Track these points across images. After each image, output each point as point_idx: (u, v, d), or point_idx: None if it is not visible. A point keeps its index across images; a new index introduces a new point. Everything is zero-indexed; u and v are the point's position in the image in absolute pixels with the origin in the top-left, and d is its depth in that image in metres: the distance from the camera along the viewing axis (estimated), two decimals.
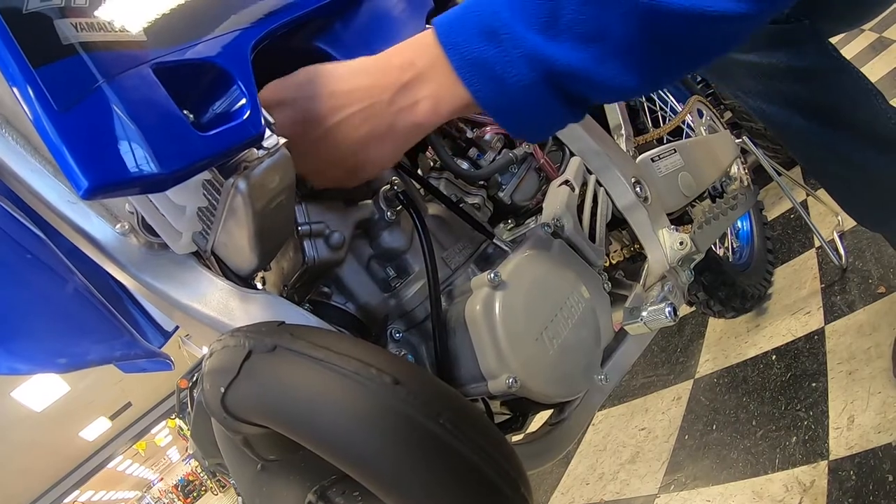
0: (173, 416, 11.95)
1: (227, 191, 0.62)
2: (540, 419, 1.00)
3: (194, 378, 4.90)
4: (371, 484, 0.56)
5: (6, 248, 0.75)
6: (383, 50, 0.77)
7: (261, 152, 0.61)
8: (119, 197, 0.69)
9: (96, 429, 12.63)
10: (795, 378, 1.77)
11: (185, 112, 0.56)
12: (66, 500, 14.51)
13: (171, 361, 0.88)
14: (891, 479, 1.27)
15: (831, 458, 1.44)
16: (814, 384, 1.69)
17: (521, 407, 0.91)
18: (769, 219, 2.56)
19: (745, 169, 2.23)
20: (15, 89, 0.49)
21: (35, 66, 0.49)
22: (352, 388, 0.55)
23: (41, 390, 9.82)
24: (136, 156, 0.50)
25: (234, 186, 0.61)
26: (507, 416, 0.94)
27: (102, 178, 0.48)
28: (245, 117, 0.58)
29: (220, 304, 0.73)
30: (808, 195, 2.41)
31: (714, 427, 1.89)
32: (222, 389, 0.60)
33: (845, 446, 1.43)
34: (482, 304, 0.78)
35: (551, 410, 0.98)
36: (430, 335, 0.85)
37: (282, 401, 0.57)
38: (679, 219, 1.53)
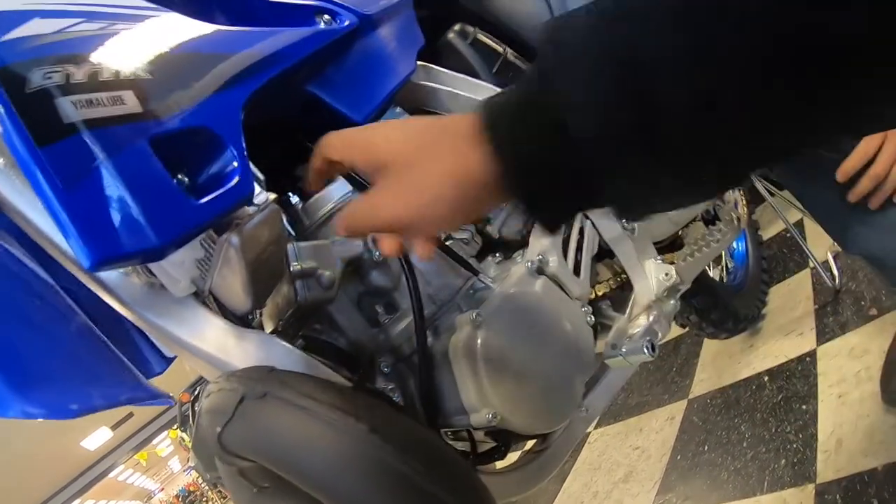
0: (175, 427, 11.95)
1: (221, 245, 0.66)
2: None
3: (196, 392, 4.95)
4: None
5: (20, 294, 0.78)
6: (375, 89, 0.79)
7: (251, 208, 0.65)
8: (122, 267, 0.72)
9: (98, 438, 12.61)
10: (786, 400, 1.80)
11: (179, 176, 0.59)
12: None
13: (172, 398, 0.92)
14: (875, 503, 1.29)
15: (818, 481, 1.46)
16: (804, 406, 1.71)
17: (504, 437, 0.94)
18: (765, 238, 2.58)
19: (739, 190, 2.25)
20: (22, 168, 0.52)
21: (40, 145, 0.52)
22: (333, 435, 0.62)
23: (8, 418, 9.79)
24: (135, 230, 0.53)
25: (227, 241, 0.65)
26: (491, 445, 0.97)
27: (105, 254, 0.52)
28: (236, 181, 0.62)
29: (217, 342, 0.76)
30: (802, 216, 2.43)
31: (706, 448, 1.91)
32: (218, 429, 0.66)
33: (833, 469, 1.45)
34: (464, 341, 0.82)
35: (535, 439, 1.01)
36: (417, 369, 0.88)
37: (271, 443, 0.63)
38: (672, 243, 1.55)
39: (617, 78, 0.44)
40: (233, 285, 0.72)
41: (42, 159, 0.51)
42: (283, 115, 0.92)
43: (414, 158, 0.52)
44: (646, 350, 0.96)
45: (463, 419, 0.84)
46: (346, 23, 0.94)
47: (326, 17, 0.94)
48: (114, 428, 12.60)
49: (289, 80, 0.84)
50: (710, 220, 1.92)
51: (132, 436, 14.16)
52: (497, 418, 0.80)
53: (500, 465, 0.99)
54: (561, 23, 0.48)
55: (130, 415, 12.60)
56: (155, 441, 16.34)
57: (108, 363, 0.84)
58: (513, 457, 1.02)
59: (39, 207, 0.76)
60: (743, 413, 1.91)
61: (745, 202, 2.27)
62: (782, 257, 2.53)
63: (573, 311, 0.97)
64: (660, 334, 1.08)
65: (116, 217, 0.53)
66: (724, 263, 2.26)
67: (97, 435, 12.33)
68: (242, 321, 0.81)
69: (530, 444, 1.05)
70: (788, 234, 2.57)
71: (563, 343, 0.91)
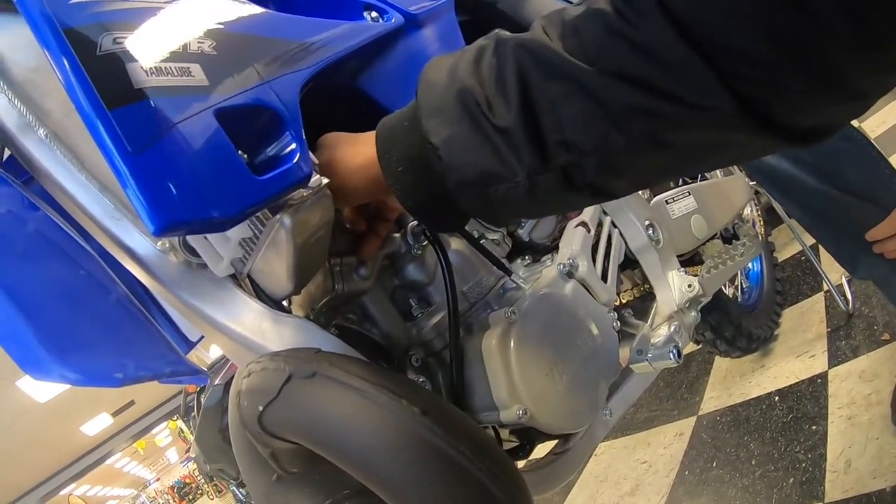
0: (175, 418, 11.95)
1: (272, 225, 0.67)
2: (545, 447, 1.04)
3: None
4: (394, 501, 0.62)
5: (64, 265, 0.79)
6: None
7: (305, 191, 0.66)
8: (185, 235, 0.73)
9: (98, 424, 12.59)
10: (796, 420, 1.80)
11: (239, 152, 0.60)
12: (62, 492, 14.52)
13: (209, 376, 0.93)
14: None
15: (826, 500, 1.46)
16: (814, 427, 1.71)
17: (528, 436, 0.96)
18: (780, 260, 2.58)
19: (757, 210, 2.26)
20: (90, 129, 0.53)
21: (110, 108, 0.53)
22: (384, 416, 0.62)
23: (47, 382, 9.77)
24: (202, 199, 0.54)
25: (279, 222, 0.66)
26: (515, 444, 0.98)
27: (172, 220, 0.52)
28: (296, 160, 0.62)
29: (253, 325, 0.77)
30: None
31: (714, 464, 1.91)
32: (260, 408, 0.66)
33: (841, 489, 1.45)
34: (498, 338, 0.83)
35: (556, 440, 1.02)
36: (447, 364, 0.89)
37: (320, 423, 0.63)
38: (690, 259, 1.56)
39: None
40: (277, 268, 0.73)
41: (111, 121, 0.52)
42: (325, 108, 0.93)
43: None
44: (671, 356, 0.97)
45: (492, 415, 0.85)
46: (393, 20, 0.96)
47: (374, 13, 0.95)
48: (114, 415, 12.61)
49: (337, 71, 0.85)
50: (729, 238, 1.93)
51: (132, 423, 14.17)
52: (527, 416, 0.81)
53: (520, 464, 1.00)
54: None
55: (132, 402, 12.61)
56: (154, 430, 16.34)
57: (147, 335, 0.85)
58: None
59: (80, 180, 0.76)
60: (752, 431, 1.91)
61: (762, 222, 2.28)
62: (796, 280, 2.53)
63: (600, 316, 0.98)
64: (680, 344, 1.09)
65: (183, 184, 0.54)
66: (738, 283, 2.27)
67: (97, 420, 12.33)
68: (277, 306, 0.81)
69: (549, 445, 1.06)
70: (803, 258, 2.57)
71: (590, 345, 0.92)
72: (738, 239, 1.74)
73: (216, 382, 4.46)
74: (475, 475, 0.62)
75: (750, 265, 2.36)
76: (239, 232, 0.70)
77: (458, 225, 0.72)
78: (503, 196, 0.60)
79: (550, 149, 0.55)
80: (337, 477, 0.78)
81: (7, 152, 0.81)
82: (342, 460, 0.63)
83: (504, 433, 0.95)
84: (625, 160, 0.55)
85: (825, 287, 2.22)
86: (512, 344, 0.83)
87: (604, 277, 1.06)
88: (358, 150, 0.71)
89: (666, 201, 1.33)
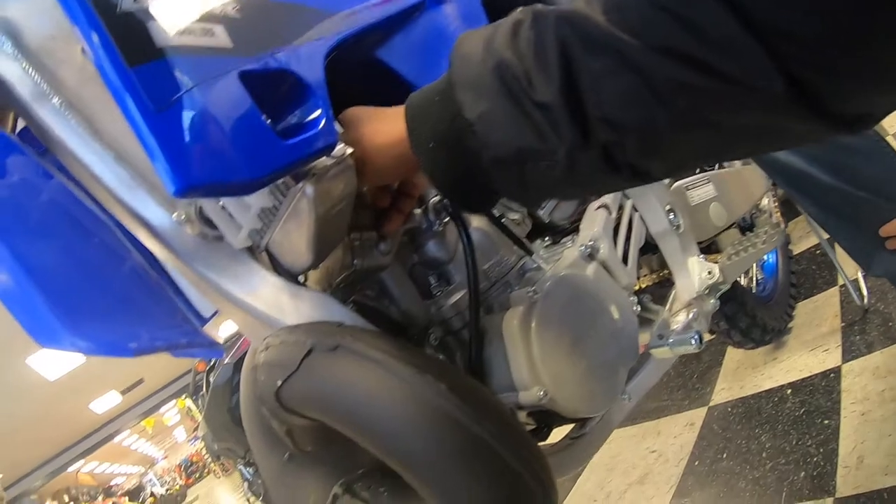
0: (183, 397, 12.02)
1: (294, 194, 0.65)
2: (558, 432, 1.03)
3: (212, 362, 4.97)
4: (416, 478, 0.61)
5: (78, 234, 0.77)
6: (439, 62, 0.79)
7: (329, 160, 0.64)
8: (206, 197, 0.71)
9: (107, 402, 12.67)
10: (809, 414, 1.79)
11: (263, 116, 0.59)
12: (70, 469, 14.68)
13: (224, 349, 0.91)
14: None
15: (837, 495, 1.45)
16: (826, 421, 1.70)
17: (546, 418, 0.94)
18: (795, 253, 2.56)
19: (775, 201, 2.23)
20: (110, 88, 0.51)
21: (131, 65, 0.51)
22: (409, 391, 0.61)
23: (57, 359, 9.79)
24: (225, 161, 0.53)
25: (301, 191, 0.64)
26: (532, 427, 0.97)
27: (194, 180, 0.51)
28: (321, 127, 0.61)
29: (271, 299, 0.75)
30: None
31: (724, 455, 1.90)
32: (279, 382, 0.64)
33: (852, 485, 1.44)
34: (520, 318, 0.82)
35: (573, 424, 1.01)
36: (465, 343, 0.88)
37: (342, 397, 0.61)
38: (707, 248, 1.55)
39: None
40: (296, 240, 0.71)
41: (132, 79, 0.50)
42: (343, 81, 0.92)
43: None
44: (693, 341, 0.96)
45: (511, 396, 0.83)
46: None
47: None
48: (124, 393, 12.68)
49: (357, 44, 0.83)
50: (746, 227, 1.91)
51: (140, 402, 14.26)
52: (547, 397, 0.80)
53: None
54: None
55: (141, 380, 12.68)
56: (162, 409, 16.43)
57: (162, 305, 0.83)
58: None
59: (95, 149, 0.74)
60: (764, 424, 1.90)
61: (779, 213, 2.26)
62: (811, 273, 2.51)
63: (621, 299, 0.96)
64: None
65: (206, 144, 0.53)
66: (753, 274, 2.25)
67: (106, 398, 12.40)
68: (294, 281, 0.80)
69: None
70: (818, 252, 2.55)
71: (611, 328, 0.91)
72: (755, 228, 1.72)
73: (225, 361, 4.48)
74: (499, 452, 0.61)
75: (765, 257, 2.34)
76: (259, 200, 0.69)
77: (487, 205, 0.69)
78: (540, 175, 0.57)
79: (592, 125, 0.52)
80: (350, 457, 0.77)
81: (21, 122, 0.80)
82: (363, 435, 0.62)
83: (522, 415, 0.94)
84: (667, 139, 0.52)
85: (840, 281, 2.21)
86: (534, 324, 0.82)
87: (624, 261, 1.04)
88: (384, 127, 0.69)
89: (686, 188, 1.31)
